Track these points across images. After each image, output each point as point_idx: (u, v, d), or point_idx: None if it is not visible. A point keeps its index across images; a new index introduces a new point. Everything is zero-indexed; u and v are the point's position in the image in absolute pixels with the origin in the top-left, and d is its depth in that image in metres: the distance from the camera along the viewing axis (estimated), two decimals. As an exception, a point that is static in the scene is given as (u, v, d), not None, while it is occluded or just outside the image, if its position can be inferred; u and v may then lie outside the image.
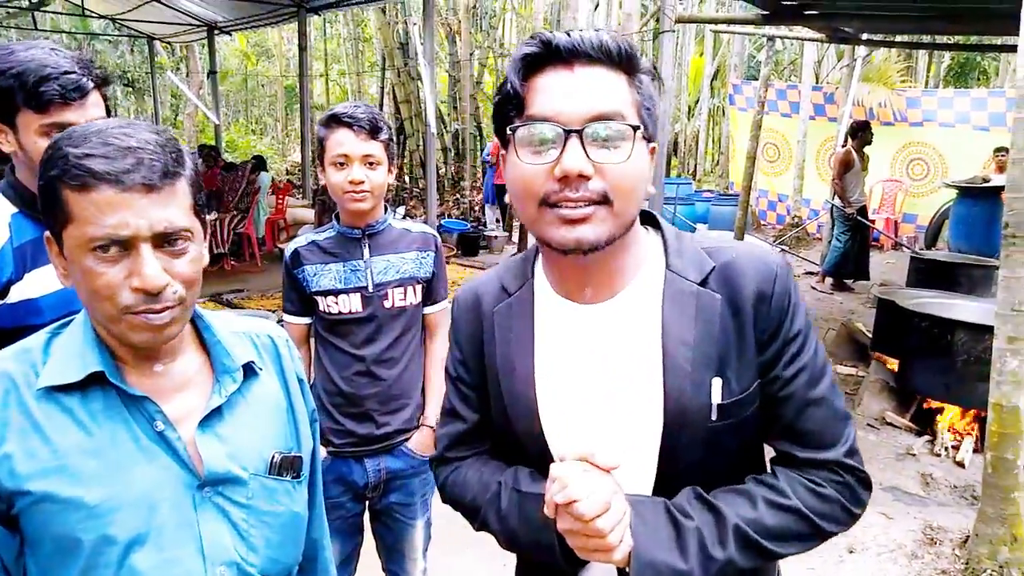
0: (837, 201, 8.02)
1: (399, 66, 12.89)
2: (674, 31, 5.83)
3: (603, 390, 0.94)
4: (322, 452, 1.86)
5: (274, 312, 6.38)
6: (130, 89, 20.21)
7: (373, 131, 1.75)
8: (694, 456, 0.92)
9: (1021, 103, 2.49)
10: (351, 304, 1.84)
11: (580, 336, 0.95)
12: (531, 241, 1.00)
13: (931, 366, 4.52)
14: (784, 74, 18.85)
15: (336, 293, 1.83)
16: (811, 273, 8.97)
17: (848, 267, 8.12)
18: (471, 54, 12.98)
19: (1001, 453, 2.77)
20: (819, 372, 0.94)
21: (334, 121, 1.75)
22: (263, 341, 1.02)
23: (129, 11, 11.80)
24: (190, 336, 0.94)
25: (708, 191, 14.07)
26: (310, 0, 10.34)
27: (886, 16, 5.56)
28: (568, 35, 0.86)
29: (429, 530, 2.06)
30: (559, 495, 0.83)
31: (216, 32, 12.70)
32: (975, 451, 4.06)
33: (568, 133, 0.84)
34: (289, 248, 1.89)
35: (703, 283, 0.92)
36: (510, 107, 0.89)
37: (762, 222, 12.64)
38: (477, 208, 12.96)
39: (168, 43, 15.82)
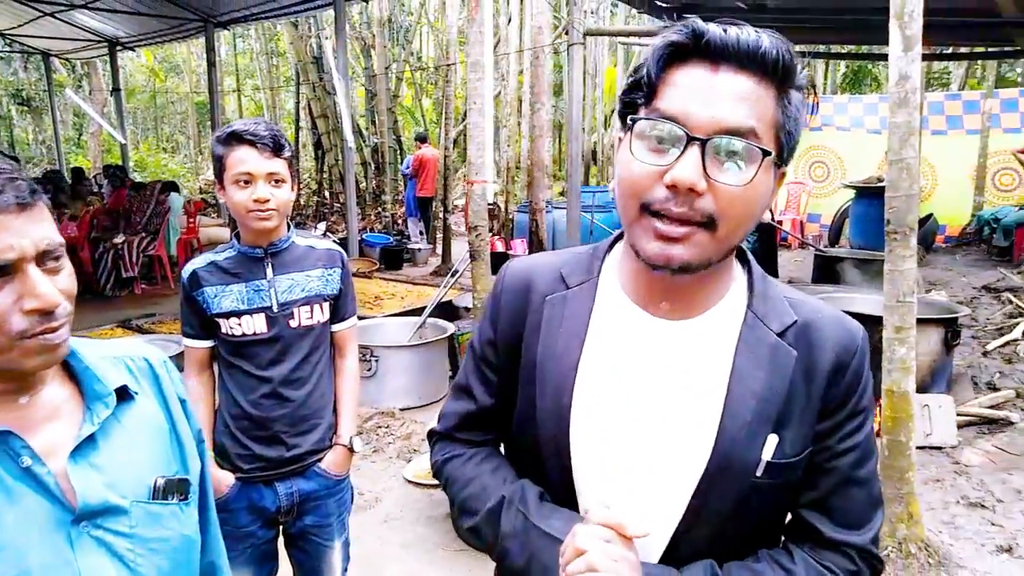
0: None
1: (314, 81, 12.71)
2: (583, 43, 5.98)
3: (649, 410, 0.88)
4: (230, 478, 1.81)
5: (188, 336, 6.16)
6: (25, 108, 19.14)
7: (276, 148, 1.72)
8: (724, 508, 0.86)
9: (895, 109, 2.69)
10: (255, 325, 1.79)
11: (642, 346, 0.89)
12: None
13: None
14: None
15: (239, 314, 1.78)
16: (726, 274, 9.31)
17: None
18: (387, 68, 12.91)
19: (895, 436, 2.95)
20: (868, 453, 0.91)
21: (234, 139, 1.70)
22: (139, 364, 0.98)
23: (20, 26, 11.20)
24: (56, 364, 0.89)
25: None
26: (217, 15, 10.08)
27: (780, 28, 5.88)
28: (724, 31, 0.77)
29: (347, 550, 2.02)
30: None
31: (119, 48, 12.21)
32: (877, 436, 4.30)
33: (690, 140, 0.76)
34: (187, 270, 1.82)
35: (781, 334, 0.87)
36: (639, 94, 0.82)
37: (679, 226, 13.05)
38: (400, 221, 12.87)
39: (67, 59, 15.08)
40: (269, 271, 1.81)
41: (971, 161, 10.26)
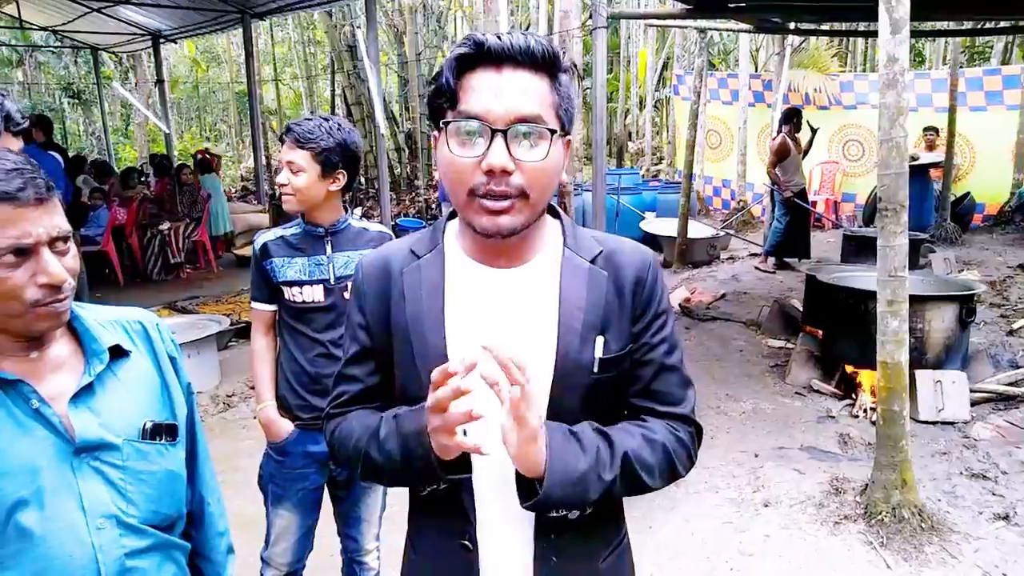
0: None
1: (348, 69, 12.97)
2: (607, 27, 6.06)
3: (505, 339, 1.04)
4: (290, 426, 2.09)
5: (228, 316, 6.48)
6: (77, 100, 19.86)
7: (300, 142, 1.99)
8: (576, 403, 1.06)
9: (884, 90, 2.77)
10: (314, 294, 2.07)
11: (490, 294, 1.08)
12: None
13: (849, 334, 4.83)
14: (729, 62, 19.29)
15: (301, 284, 2.06)
16: (755, 254, 9.32)
17: (788, 247, 8.49)
18: (418, 54, 13.09)
19: (889, 406, 3.05)
20: (675, 345, 1.14)
21: (284, 132, 2.06)
22: (134, 327, 1.17)
23: (69, 22, 11.69)
24: (60, 327, 1.06)
25: (656, 180, 14.40)
26: (253, 6, 10.37)
27: (800, 7, 5.87)
28: (499, 38, 0.97)
29: (385, 499, 2.28)
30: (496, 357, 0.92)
31: (161, 40, 12.63)
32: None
33: (494, 132, 0.96)
34: (259, 241, 2.11)
35: (592, 261, 1.10)
36: (443, 100, 1.00)
37: (709, 207, 13.00)
38: (434, 206, 13.11)
39: (114, 53, 15.63)
40: (329, 248, 2.08)
41: (1011, 137, 10.01)
